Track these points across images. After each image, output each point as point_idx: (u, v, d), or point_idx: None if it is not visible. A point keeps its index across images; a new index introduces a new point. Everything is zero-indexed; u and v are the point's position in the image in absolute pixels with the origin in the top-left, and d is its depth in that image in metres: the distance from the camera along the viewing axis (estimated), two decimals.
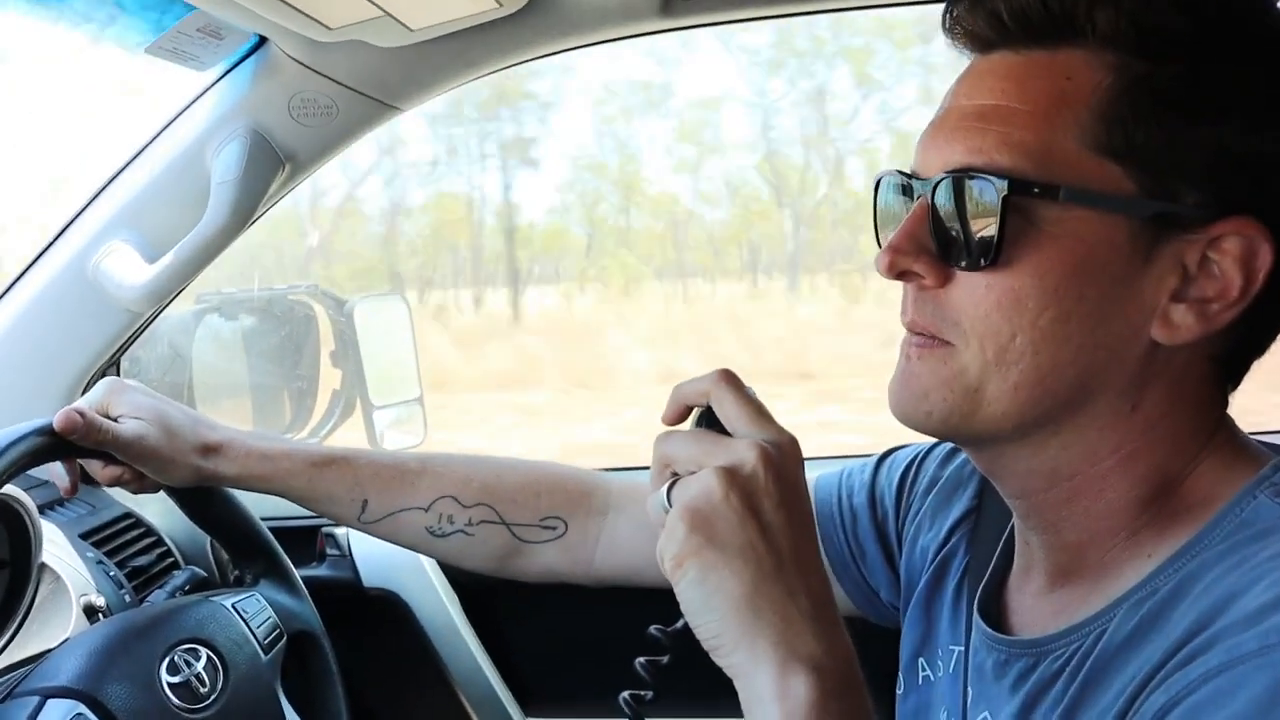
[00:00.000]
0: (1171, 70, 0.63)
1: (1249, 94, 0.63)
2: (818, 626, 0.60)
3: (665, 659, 0.68)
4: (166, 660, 1.00)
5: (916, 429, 0.72)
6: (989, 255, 0.64)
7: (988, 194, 0.64)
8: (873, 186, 0.76)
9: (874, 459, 1.01)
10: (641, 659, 0.68)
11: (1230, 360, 0.69)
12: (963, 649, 0.81)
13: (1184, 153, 0.62)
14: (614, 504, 1.09)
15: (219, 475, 1.06)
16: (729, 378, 0.65)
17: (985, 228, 0.64)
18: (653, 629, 0.67)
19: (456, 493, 1.06)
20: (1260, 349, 0.70)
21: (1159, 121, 0.62)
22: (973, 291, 0.66)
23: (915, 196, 0.70)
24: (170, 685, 0.99)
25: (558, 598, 1.50)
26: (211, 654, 1.04)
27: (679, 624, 0.63)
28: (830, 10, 1.23)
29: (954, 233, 0.66)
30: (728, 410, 0.64)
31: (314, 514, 1.11)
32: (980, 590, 0.81)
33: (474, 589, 1.52)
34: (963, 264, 0.66)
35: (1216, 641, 0.57)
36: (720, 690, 0.61)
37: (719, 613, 0.60)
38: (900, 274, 0.69)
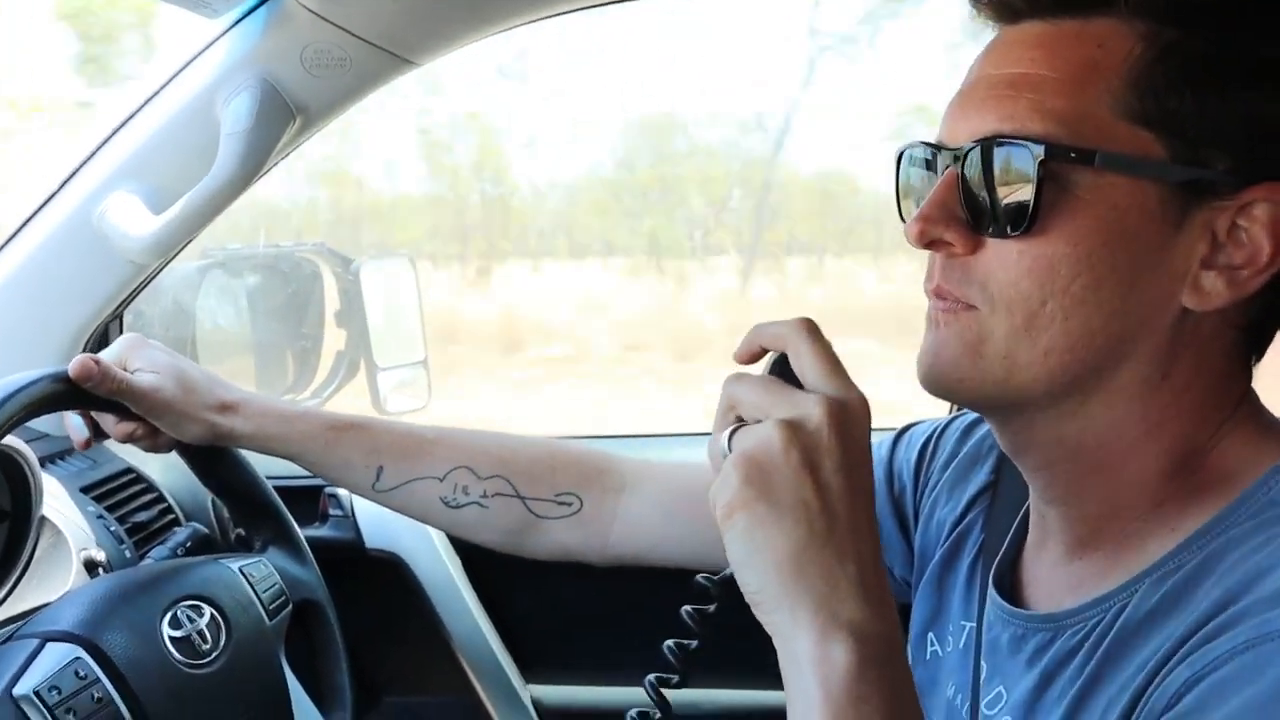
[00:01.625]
0: (1203, 38, 0.63)
1: (1273, 61, 0.63)
2: (864, 593, 0.58)
3: (694, 644, 0.66)
4: (169, 614, 0.99)
5: (949, 398, 0.71)
6: (1024, 222, 0.64)
7: (1022, 160, 0.64)
8: (895, 159, 0.75)
9: (891, 435, 0.99)
10: (669, 642, 0.66)
11: (1256, 328, 0.68)
12: (974, 625, 0.80)
13: (1215, 120, 0.63)
14: (629, 483, 1.07)
15: (234, 434, 1.05)
16: (809, 326, 0.63)
17: (1018, 194, 0.64)
18: (700, 577, 0.66)
19: (472, 464, 1.05)
20: None
21: (1191, 89, 0.63)
22: (1004, 258, 0.66)
23: (943, 167, 0.69)
24: (172, 639, 0.98)
25: (562, 565, 1.51)
26: (215, 612, 1.03)
27: (726, 572, 0.61)
28: None
29: (985, 201, 0.66)
30: (803, 360, 0.62)
31: (333, 482, 1.11)
32: (996, 563, 0.80)
33: (477, 553, 1.49)
34: (993, 231, 0.66)
35: (1243, 618, 0.57)
36: (748, 668, 0.60)
37: (762, 569, 0.58)
38: (930, 243, 0.69)
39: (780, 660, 0.58)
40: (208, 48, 1.25)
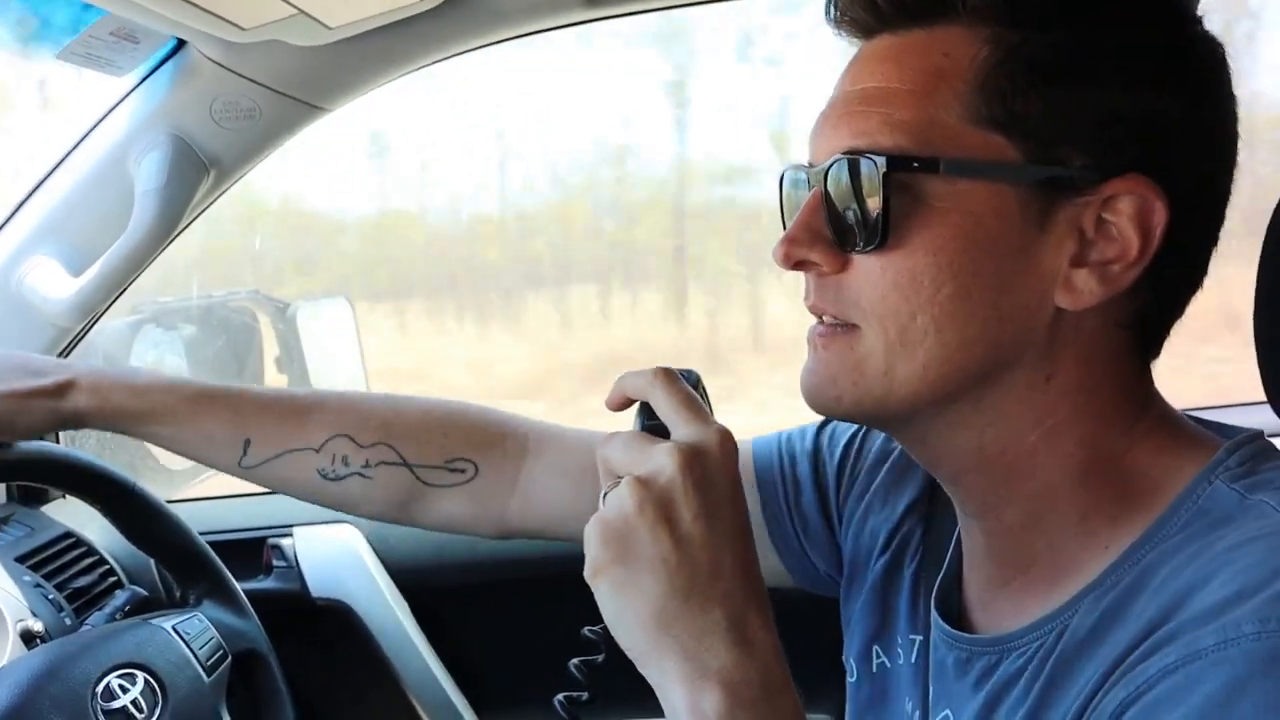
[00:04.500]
0: (1045, 38, 0.63)
1: (1124, 55, 0.63)
2: (733, 637, 0.58)
3: (600, 658, 0.67)
4: (101, 686, 0.98)
5: (830, 415, 0.71)
6: (879, 236, 0.64)
7: (871, 174, 0.64)
8: (778, 182, 0.75)
9: (813, 426, 0.97)
10: (576, 660, 0.67)
11: (1143, 326, 0.68)
12: (923, 638, 0.80)
13: (1065, 117, 0.63)
14: (533, 448, 0.99)
15: (80, 414, 0.95)
16: (661, 375, 0.64)
17: (873, 209, 0.64)
18: (587, 630, 0.66)
19: (352, 431, 0.97)
20: (1167, 312, 0.69)
21: (1037, 89, 0.63)
22: (870, 275, 0.66)
23: (810, 188, 0.69)
24: (106, 712, 0.96)
25: (510, 600, 1.50)
26: (149, 678, 1.01)
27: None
28: None
29: (847, 218, 0.66)
30: (661, 407, 0.63)
31: (197, 459, 1.01)
32: (938, 584, 0.79)
33: (424, 595, 1.50)
34: (857, 248, 0.66)
35: (1175, 637, 0.56)
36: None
37: (630, 629, 0.59)
38: (797, 264, 0.69)
39: (665, 711, 0.59)
40: (117, 106, 1.24)
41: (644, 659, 0.59)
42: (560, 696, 0.67)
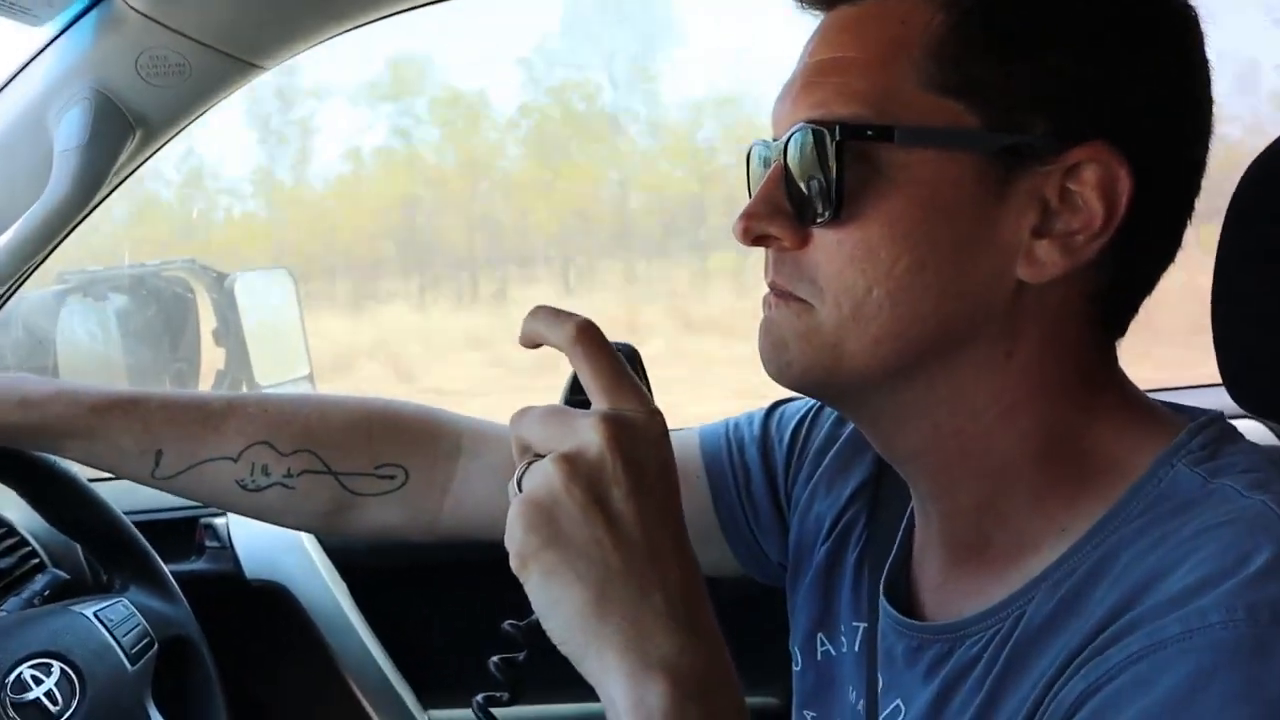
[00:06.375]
0: (1000, 1, 0.62)
1: (1087, 18, 0.62)
2: (674, 623, 0.54)
3: (522, 656, 0.63)
4: (12, 677, 0.92)
5: (779, 381, 0.69)
6: (835, 206, 0.62)
7: (828, 145, 0.63)
8: (745, 158, 0.74)
9: (761, 411, 0.95)
10: (495, 658, 0.63)
11: (1107, 300, 0.67)
12: (867, 625, 0.78)
13: (1026, 82, 0.61)
14: (465, 447, 0.95)
15: None
16: (585, 333, 0.58)
17: (831, 180, 0.63)
18: (506, 624, 0.62)
19: (272, 438, 0.92)
20: (1135, 287, 0.68)
21: (994, 53, 0.61)
22: (828, 249, 0.64)
23: (772, 162, 0.68)
24: (16, 705, 0.91)
25: (453, 581, 1.46)
26: (66, 668, 0.96)
27: (533, 618, 0.57)
28: None
29: (805, 190, 0.65)
30: (584, 375, 0.58)
31: (108, 472, 0.96)
32: (886, 570, 0.77)
33: (364, 577, 1.46)
34: (816, 221, 0.64)
35: (1138, 626, 0.55)
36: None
37: (565, 619, 0.54)
38: (757, 239, 0.67)
39: (604, 705, 0.55)
40: (35, 57, 1.16)
41: (581, 653, 0.54)
42: (479, 697, 0.64)
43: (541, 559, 0.54)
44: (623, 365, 0.58)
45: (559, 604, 0.54)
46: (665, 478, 0.57)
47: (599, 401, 0.57)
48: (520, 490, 0.56)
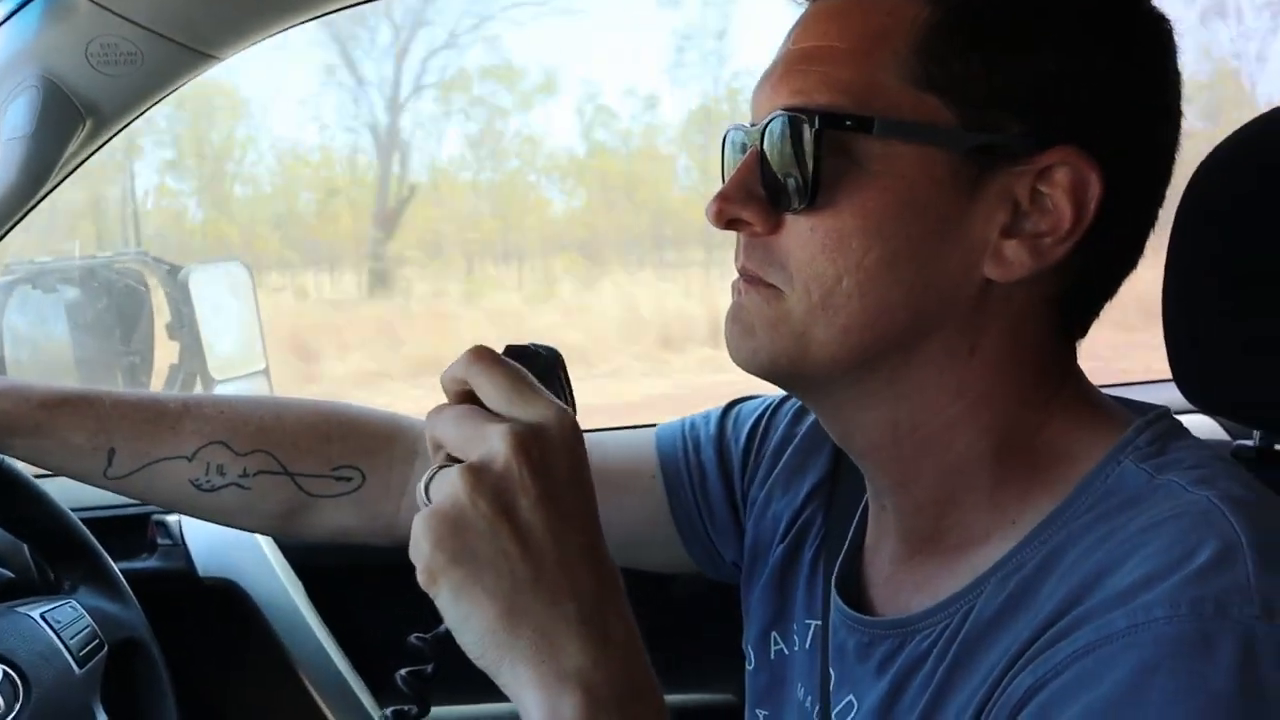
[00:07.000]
0: (987, 1, 0.62)
1: (1067, 24, 0.63)
2: (586, 633, 0.53)
3: (429, 669, 0.61)
4: None
5: (746, 368, 0.69)
6: (810, 195, 0.63)
7: (806, 133, 0.63)
8: (720, 144, 0.73)
9: (718, 410, 0.95)
10: (403, 671, 0.62)
11: (1070, 302, 0.67)
12: (820, 623, 0.78)
13: (1005, 82, 0.62)
14: (422, 450, 0.94)
15: None
16: (479, 355, 0.58)
17: (808, 168, 0.63)
18: (412, 637, 0.61)
19: (228, 438, 0.90)
20: (1099, 291, 0.69)
21: (976, 51, 0.62)
22: (800, 236, 0.65)
23: (748, 147, 0.68)
24: None
25: (409, 578, 1.44)
26: (9, 670, 0.93)
27: (440, 629, 0.56)
28: None
29: (781, 177, 0.65)
30: (486, 392, 0.57)
31: (56, 471, 0.94)
32: (839, 564, 0.77)
33: (319, 574, 1.44)
34: (790, 208, 0.65)
35: (1085, 621, 0.55)
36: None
37: (477, 633, 0.53)
38: (730, 222, 0.67)
39: (521, 718, 0.54)
40: None
41: (495, 666, 0.53)
42: (387, 711, 0.63)
43: (449, 574, 0.53)
44: (521, 373, 0.57)
45: (469, 619, 0.53)
46: (577, 482, 0.56)
47: (508, 411, 0.56)
48: (428, 498, 0.56)
